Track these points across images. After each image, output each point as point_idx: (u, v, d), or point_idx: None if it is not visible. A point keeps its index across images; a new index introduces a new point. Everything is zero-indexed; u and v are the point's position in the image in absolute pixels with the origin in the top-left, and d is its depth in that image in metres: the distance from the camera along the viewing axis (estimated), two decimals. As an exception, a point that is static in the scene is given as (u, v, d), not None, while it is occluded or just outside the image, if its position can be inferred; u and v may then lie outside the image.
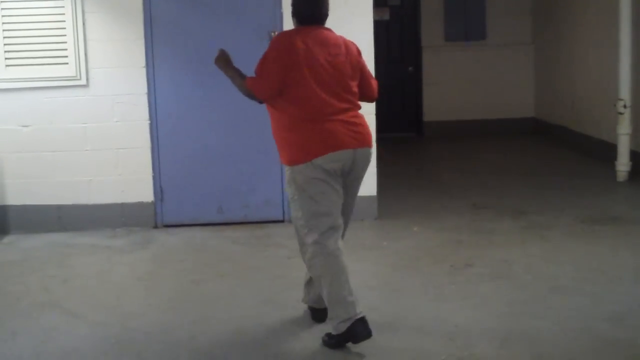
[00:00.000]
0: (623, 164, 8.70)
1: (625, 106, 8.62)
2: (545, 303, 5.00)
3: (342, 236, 4.55)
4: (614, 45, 8.82)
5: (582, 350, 4.28)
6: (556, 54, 11.88)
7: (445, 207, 7.70)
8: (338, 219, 4.45)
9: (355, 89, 4.63)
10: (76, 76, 7.03)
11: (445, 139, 12.33)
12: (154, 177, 7.20)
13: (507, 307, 4.93)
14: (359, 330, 4.29)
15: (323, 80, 4.43)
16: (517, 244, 6.37)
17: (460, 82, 12.83)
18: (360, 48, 6.73)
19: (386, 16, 12.70)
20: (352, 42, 4.73)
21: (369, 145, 4.62)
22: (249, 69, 7.17)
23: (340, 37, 4.69)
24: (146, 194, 7.21)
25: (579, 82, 10.96)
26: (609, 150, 9.11)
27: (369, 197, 7.17)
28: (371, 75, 4.87)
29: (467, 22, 12.92)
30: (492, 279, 5.49)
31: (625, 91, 8.63)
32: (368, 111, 7.03)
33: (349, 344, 4.34)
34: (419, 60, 13.04)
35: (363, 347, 4.36)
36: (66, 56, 7.01)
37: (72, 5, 6.95)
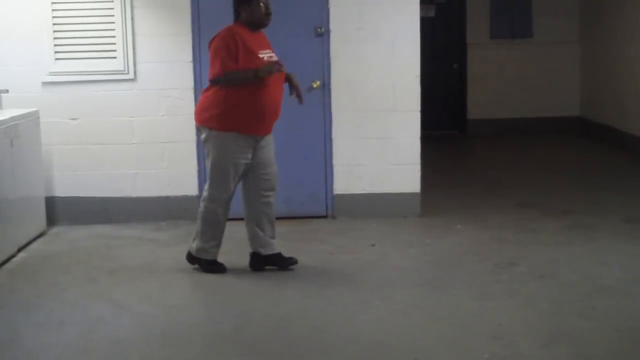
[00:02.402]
0: (670, 165, 8.60)
1: (673, 106, 8.51)
2: (590, 303, 4.95)
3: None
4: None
5: (626, 351, 4.24)
6: (603, 52, 11.75)
7: (489, 205, 7.66)
8: None
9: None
10: (124, 70, 7.10)
11: (489, 137, 12.26)
12: (199, 171, 7.25)
13: (552, 307, 4.90)
14: None
15: None
16: (563, 243, 6.32)
17: (505, 80, 12.73)
18: (406, 44, 6.78)
19: (432, 13, 12.65)
20: (220, 31, 5.53)
21: (195, 120, 5.69)
22: (296, 63, 7.24)
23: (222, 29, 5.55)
24: (191, 188, 7.27)
25: (626, 81, 10.83)
26: (657, 151, 9.00)
27: (413, 194, 7.17)
28: (210, 63, 5.52)
29: (513, 20, 12.81)
30: (537, 278, 5.45)
31: (674, 91, 8.53)
32: (411, 108, 7.10)
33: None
34: (464, 58, 12.97)
35: (407, 343, 4.37)
36: (114, 50, 7.09)
37: (121, 0, 7.03)
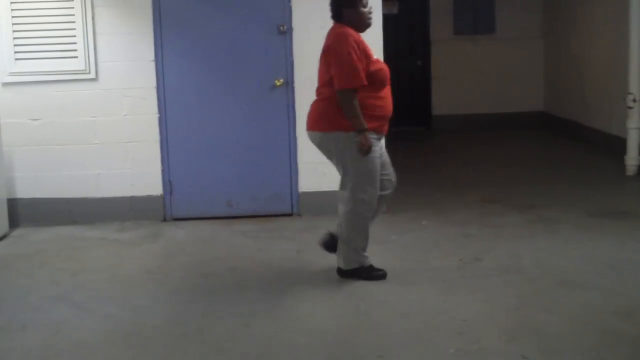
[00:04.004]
0: (632, 158, 8.69)
1: (634, 100, 8.59)
2: (554, 297, 4.99)
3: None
4: (624, 38, 8.79)
5: (590, 344, 4.27)
6: (566, 48, 11.85)
7: (454, 201, 7.70)
8: None
9: (323, 78, 5.33)
10: (85, 70, 7.05)
11: (454, 132, 12.33)
12: (163, 171, 7.22)
13: (516, 302, 4.92)
14: None
15: None
16: (526, 238, 6.37)
17: (469, 76, 12.82)
18: (369, 42, 6.75)
19: (395, 10, 12.69)
20: (335, 35, 5.24)
21: (309, 129, 5.39)
22: (259, 61, 7.23)
23: (333, 32, 5.29)
24: (155, 188, 7.23)
25: (588, 76, 10.94)
26: (619, 145, 9.09)
27: (378, 191, 7.17)
28: (338, 69, 5.15)
29: (476, 16, 12.90)
30: (501, 273, 5.48)
31: (635, 85, 8.61)
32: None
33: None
34: (428, 54, 13.03)
35: (372, 340, 4.37)
36: (75, 50, 7.03)
37: (81, -1, 6.98)
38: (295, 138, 7.17)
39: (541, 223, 6.78)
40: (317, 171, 7.17)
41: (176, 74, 7.16)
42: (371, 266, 5.46)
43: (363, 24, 5.30)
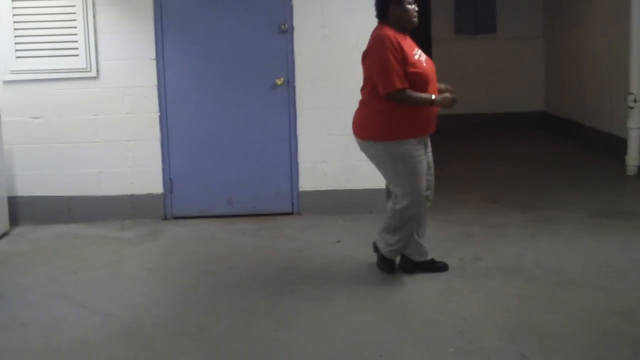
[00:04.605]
0: (633, 159, 8.68)
1: (635, 100, 8.59)
2: (555, 297, 4.98)
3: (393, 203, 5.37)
4: (625, 38, 8.79)
5: (591, 344, 4.27)
6: (566, 48, 11.85)
7: (454, 201, 7.70)
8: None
9: (364, 79, 5.30)
10: (86, 68, 7.05)
11: (454, 132, 12.31)
12: (163, 169, 7.22)
13: (516, 301, 4.92)
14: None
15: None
16: (527, 238, 6.36)
17: (470, 76, 12.80)
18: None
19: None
20: (374, 36, 5.19)
21: (355, 134, 5.39)
22: (259, 60, 7.24)
23: (373, 33, 5.26)
24: (156, 186, 7.23)
25: (589, 76, 10.93)
26: (619, 145, 9.09)
27: (377, 190, 7.16)
28: (376, 73, 5.12)
29: (477, 16, 12.89)
30: (502, 273, 5.48)
31: (635, 85, 8.60)
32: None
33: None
34: (429, 54, 12.97)
35: (373, 339, 4.37)
36: (76, 48, 7.03)
37: (82, -3, 6.98)
38: (296, 137, 7.17)
39: (542, 223, 6.78)
40: (317, 170, 7.17)
41: (177, 73, 7.15)
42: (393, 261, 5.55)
43: (409, 22, 5.27)
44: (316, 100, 7.16)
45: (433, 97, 5.18)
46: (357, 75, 7.09)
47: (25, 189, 7.19)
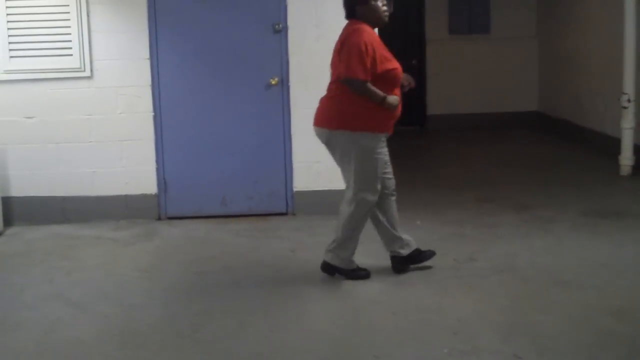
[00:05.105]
0: (627, 158, 8.70)
1: (629, 100, 8.61)
2: (549, 297, 5.00)
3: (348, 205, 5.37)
4: (618, 38, 8.81)
5: (584, 343, 4.28)
6: (560, 48, 11.87)
7: (448, 201, 7.71)
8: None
9: (335, 74, 5.29)
10: (80, 68, 7.03)
11: (448, 132, 12.34)
12: (157, 169, 7.21)
13: (510, 301, 4.93)
14: None
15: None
16: (521, 237, 6.38)
17: (464, 76, 12.83)
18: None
19: (390, 9, 12.67)
20: (350, 29, 5.22)
21: (316, 125, 5.41)
22: (254, 60, 7.23)
23: (348, 27, 5.27)
24: (150, 186, 7.22)
25: (582, 76, 10.95)
26: (613, 145, 9.11)
27: (373, 190, 7.17)
28: (345, 57, 5.12)
29: (471, 15, 12.91)
30: (496, 273, 5.49)
31: (629, 85, 8.62)
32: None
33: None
34: (423, 54, 13.04)
35: (367, 339, 4.38)
36: (70, 47, 7.02)
37: (76, -4, 6.97)
38: (290, 137, 7.17)
39: (536, 223, 6.79)
40: (311, 170, 7.17)
41: (171, 72, 7.14)
42: (357, 267, 5.49)
43: (378, 19, 5.31)
44: (310, 100, 7.09)
45: (386, 97, 5.21)
46: (351, 75, 7.14)
47: (19, 189, 7.17)
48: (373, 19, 5.28)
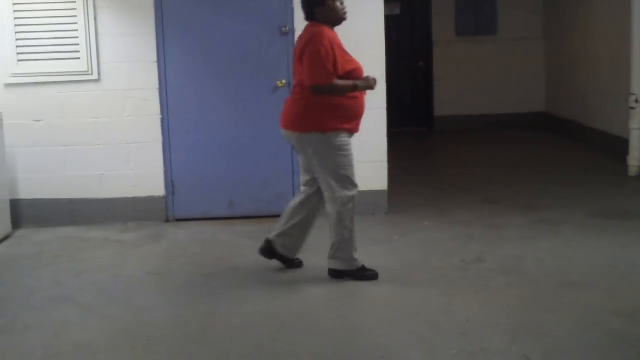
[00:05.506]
0: (635, 159, 8.68)
1: (637, 101, 8.59)
2: (556, 298, 4.99)
3: (325, 205, 5.46)
4: (626, 39, 8.79)
5: (592, 345, 4.27)
6: (567, 48, 11.85)
7: (456, 202, 7.71)
8: (303, 177, 5.62)
9: (300, 77, 5.31)
10: (88, 71, 7.05)
11: (456, 133, 12.33)
12: (165, 172, 7.22)
13: (518, 302, 4.92)
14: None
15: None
16: (528, 239, 6.37)
17: (471, 77, 12.83)
18: (371, 43, 6.76)
19: (397, 11, 12.70)
20: (311, 34, 5.25)
21: (284, 127, 5.43)
22: (261, 62, 7.23)
23: (308, 31, 5.32)
24: (157, 189, 7.23)
25: (590, 77, 10.94)
26: (621, 145, 9.09)
27: (380, 192, 7.18)
28: (307, 65, 5.20)
29: (478, 17, 12.91)
30: (503, 274, 5.48)
31: (637, 86, 8.60)
32: (378, 106, 7.09)
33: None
34: (430, 55, 13.03)
35: (375, 340, 4.38)
36: (78, 51, 7.04)
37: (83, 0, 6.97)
38: (297, 139, 7.16)
39: (543, 224, 6.78)
40: (319, 172, 7.17)
41: (178, 75, 7.16)
42: (363, 267, 5.48)
43: (337, 18, 5.39)
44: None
45: (356, 83, 5.27)
46: (358, 77, 7.14)
47: (27, 191, 7.20)
48: (332, 19, 5.37)
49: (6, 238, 6.83)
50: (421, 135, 12.75)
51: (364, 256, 5.58)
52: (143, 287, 5.53)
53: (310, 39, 5.22)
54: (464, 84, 12.85)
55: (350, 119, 5.32)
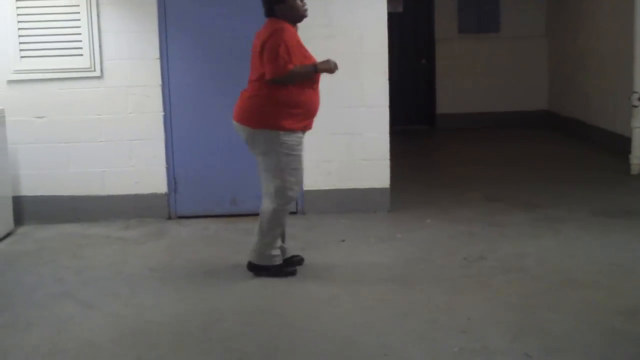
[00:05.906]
0: (637, 157, 8.68)
1: (639, 99, 8.58)
2: (558, 296, 4.99)
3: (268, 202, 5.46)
4: (629, 37, 8.79)
5: (594, 343, 4.27)
6: (570, 46, 11.84)
7: (458, 200, 7.70)
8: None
9: (257, 72, 5.32)
10: (90, 67, 7.06)
11: (458, 131, 12.33)
12: (167, 169, 7.23)
13: (520, 300, 4.92)
14: None
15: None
16: (530, 237, 6.37)
17: (473, 75, 12.83)
18: (374, 40, 6.74)
19: (400, 8, 12.70)
20: (272, 29, 5.29)
21: (237, 121, 5.49)
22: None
23: (269, 26, 5.34)
24: (160, 186, 7.24)
25: (592, 75, 10.93)
26: (623, 144, 9.09)
27: (382, 189, 7.18)
28: (268, 59, 5.23)
29: (481, 15, 12.90)
30: (505, 272, 5.48)
31: (639, 84, 8.59)
32: (380, 104, 7.10)
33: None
34: (432, 53, 13.03)
35: (377, 338, 4.38)
36: (81, 48, 7.04)
37: (86, -4, 6.99)
38: (299, 136, 7.16)
39: (545, 222, 6.78)
40: (321, 169, 7.18)
41: (181, 72, 7.16)
42: (281, 264, 5.55)
43: (298, 16, 5.42)
44: (320, 99, 7.15)
45: (316, 66, 5.32)
46: (361, 74, 7.15)
47: (29, 188, 7.20)
48: (292, 16, 5.39)
49: (8, 235, 6.84)
50: (423, 133, 12.74)
51: (367, 254, 5.58)
52: (145, 284, 5.53)
53: (272, 34, 5.26)
54: (466, 81, 12.84)
55: (304, 117, 5.37)
